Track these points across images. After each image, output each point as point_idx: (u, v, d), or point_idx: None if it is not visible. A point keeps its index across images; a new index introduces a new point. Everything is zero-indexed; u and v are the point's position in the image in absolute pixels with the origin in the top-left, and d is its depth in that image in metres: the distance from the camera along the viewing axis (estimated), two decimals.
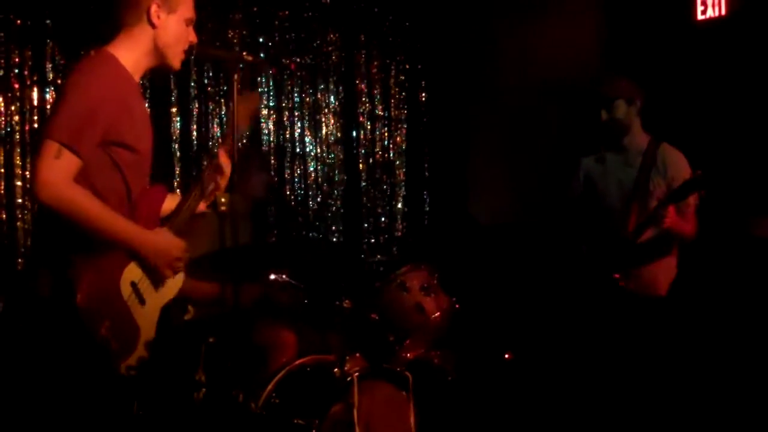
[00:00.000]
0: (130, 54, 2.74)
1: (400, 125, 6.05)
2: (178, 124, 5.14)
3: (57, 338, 2.58)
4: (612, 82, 3.93)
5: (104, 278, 2.62)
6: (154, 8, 2.72)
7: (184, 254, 2.80)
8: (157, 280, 2.76)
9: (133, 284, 2.69)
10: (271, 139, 5.54)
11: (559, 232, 4.37)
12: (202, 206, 3.05)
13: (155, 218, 2.86)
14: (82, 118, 2.57)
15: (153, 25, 2.73)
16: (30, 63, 4.66)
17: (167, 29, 2.76)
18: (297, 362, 3.67)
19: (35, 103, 4.65)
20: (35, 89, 4.66)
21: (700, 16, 4.87)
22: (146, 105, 2.96)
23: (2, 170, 4.58)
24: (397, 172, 6.02)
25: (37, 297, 2.62)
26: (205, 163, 3.09)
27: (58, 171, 2.53)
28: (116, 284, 2.65)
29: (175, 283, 2.86)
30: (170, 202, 3.03)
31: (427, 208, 6.13)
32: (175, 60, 2.83)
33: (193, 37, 2.85)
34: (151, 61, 2.81)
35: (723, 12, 4.75)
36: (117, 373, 2.61)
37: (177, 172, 5.11)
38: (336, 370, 3.53)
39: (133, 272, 2.71)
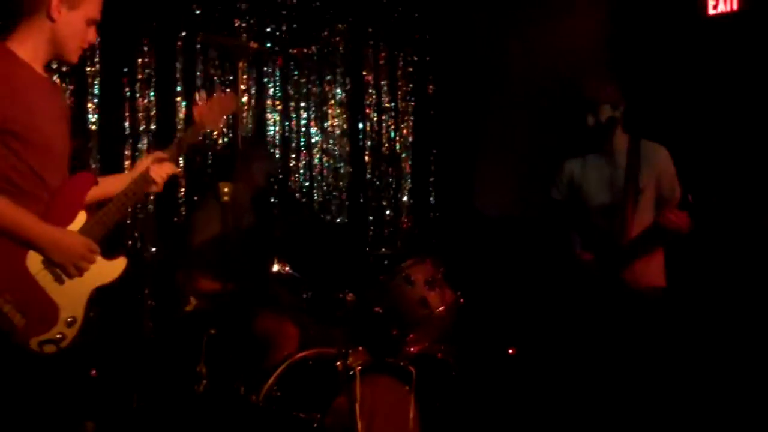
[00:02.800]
0: (28, 44, 2.74)
1: (406, 117, 6.02)
2: (183, 112, 5.11)
3: None
4: (598, 86, 3.92)
5: (6, 253, 2.61)
6: (55, 2, 2.72)
7: (90, 255, 2.74)
8: (64, 274, 2.72)
9: (45, 262, 2.67)
10: (277, 129, 5.52)
11: (548, 231, 4.37)
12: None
13: (77, 206, 2.83)
14: None
15: (52, 19, 2.73)
16: None
17: (67, 25, 2.75)
18: (299, 355, 3.66)
19: None
20: None
21: (711, 11, 4.83)
22: (57, 98, 2.90)
23: None
24: (403, 164, 5.99)
25: None
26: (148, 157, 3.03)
27: None
28: (21, 259, 2.64)
29: (109, 269, 2.82)
30: (111, 186, 3.01)
31: (433, 201, 6.10)
32: (72, 55, 2.82)
33: (92, 37, 2.85)
34: (49, 54, 2.81)
35: (735, 7, 4.72)
36: (26, 349, 2.59)
37: (181, 160, 5.09)
38: (339, 363, 3.50)
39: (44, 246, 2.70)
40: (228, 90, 4.59)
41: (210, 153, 5.17)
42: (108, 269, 2.81)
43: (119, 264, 2.84)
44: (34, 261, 2.65)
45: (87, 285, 2.76)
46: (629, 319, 3.80)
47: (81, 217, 2.81)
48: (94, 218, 2.83)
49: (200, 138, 3.13)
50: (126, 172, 3.45)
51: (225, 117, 3.31)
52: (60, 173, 2.79)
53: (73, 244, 2.71)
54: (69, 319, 2.68)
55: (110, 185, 3.01)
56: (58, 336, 2.64)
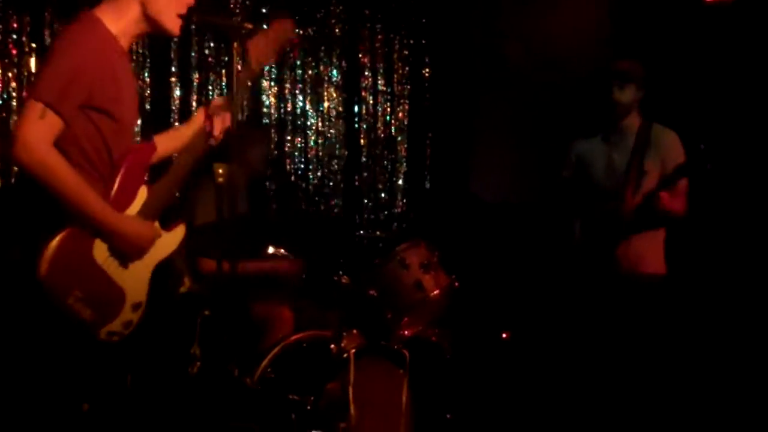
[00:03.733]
0: (117, 20, 2.65)
1: (402, 101, 6.00)
2: (178, 93, 5.08)
3: (25, 313, 2.54)
4: (630, 63, 3.93)
5: (74, 246, 2.55)
6: None
7: (151, 242, 2.71)
8: (124, 259, 2.68)
9: (111, 249, 2.63)
10: (272, 111, 5.50)
11: (553, 212, 4.37)
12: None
13: (139, 182, 2.78)
14: (67, 80, 2.51)
15: None
16: (28, 29, 4.61)
17: None
18: (293, 337, 3.65)
19: (33, 70, 4.60)
20: (33, 56, 4.61)
21: None
22: (132, 74, 2.86)
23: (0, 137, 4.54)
24: (399, 148, 5.98)
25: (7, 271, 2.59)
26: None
27: (41, 132, 2.48)
28: (88, 251, 2.59)
29: (169, 241, 2.79)
30: (166, 145, 2.97)
31: (428, 185, 6.09)
32: (172, 25, 2.72)
33: (189, 0, 2.74)
34: (142, 28, 2.72)
35: None
36: (96, 341, 2.57)
37: None
38: (333, 346, 3.51)
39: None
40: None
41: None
42: (168, 241, 2.79)
43: (179, 232, 2.82)
44: (100, 250, 2.61)
45: (149, 265, 2.73)
46: (626, 306, 3.81)
47: (142, 194, 2.76)
48: (155, 193, 2.77)
49: (259, 74, 3.00)
50: (176, 126, 3.35)
51: (283, 47, 3.18)
52: (125, 149, 2.74)
53: (141, 234, 2.67)
54: (135, 304, 2.66)
55: (164, 144, 2.96)
56: (125, 322, 2.63)
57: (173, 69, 5.08)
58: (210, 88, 5.22)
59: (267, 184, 5.38)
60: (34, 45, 4.62)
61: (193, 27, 4.92)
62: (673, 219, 3.84)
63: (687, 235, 4.16)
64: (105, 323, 2.59)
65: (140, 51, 4.94)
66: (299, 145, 5.61)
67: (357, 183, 5.80)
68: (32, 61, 4.61)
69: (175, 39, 4.91)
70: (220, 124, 2.93)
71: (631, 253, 3.83)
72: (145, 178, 2.80)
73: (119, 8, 2.65)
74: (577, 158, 4.11)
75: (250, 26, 2.90)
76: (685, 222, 3.86)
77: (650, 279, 3.86)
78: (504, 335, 4.84)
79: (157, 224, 2.75)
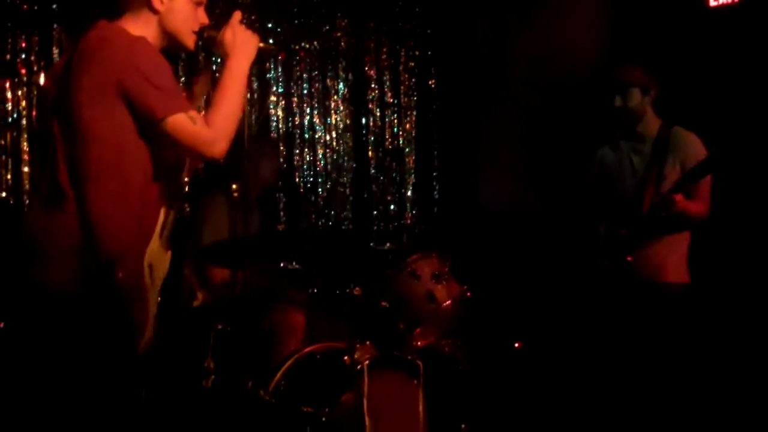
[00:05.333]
0: (137, 33, 2.65)
1: (409, 112, 6.01)
2: None
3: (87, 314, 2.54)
4: (628, 69, 3.92)
5: (133, 259, 2.59)
6: None
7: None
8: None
9: (150, 266, 2.66)
10: (280, 125, 5.52)
11: (575, 218, 4.35)
12: None
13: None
14: (170, 87, 2.56)
15: (155, 11, 2.65)
16: (36, 48, 4.64)
17: (173, 14, 2.67)
18: (306, 350, 3.65)
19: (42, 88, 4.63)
20: (42, 75, 4.64)
21: (713, 2, 4.81)
22: None
23: (10, 156, 4.57)
24: (407, 159, 5.99)
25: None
26: None
27: (204, 128, 2.55)
28: (141, 265, 2.63)
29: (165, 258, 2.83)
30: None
31: (437, 196, 6.09)
32: (187, 41, 2.75)
33: (204, 19, 2.76)
34: (158, 44, 2.72)
35: None
36: (136, 353, 2.62)
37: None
38: (346, 358, 3.50)
39: (150, 254, 2.68)
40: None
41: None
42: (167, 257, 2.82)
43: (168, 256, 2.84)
44: (146, 266, 2.65)
45: (158, 284, 2.76)
46: (646, 316, 3.78)
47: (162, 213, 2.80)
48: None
49: None
50: None
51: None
52: None
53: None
54: (151, 324, 2.70)
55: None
56: (147, 340, 2.67)
57: (181, 85, 5.10)
58: None
59: (277, 197, 5.40)
60: (42, 63, 4.65)
61: (200, 43, 4.94)
62: (693, 223, 3.81)
63: (712, 244, 4.11)
64: (140, 339, 2.64)
65: None
66: (308, 159, 5.62)
67: (366, 195, 5.80)
68: (41, 80, 4.63)
69: (183, 55, 4.94)
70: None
71: (653, 261, 3.80)
72: None
73: (139, 23, 2.66)
74: (600, 165, 4.11)
75: (261, 44, 2.92)
76: (709, 229, 3.82)
77: (672, 288, 3.83)
78: (517, 345, 4.83)
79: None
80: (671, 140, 3.84)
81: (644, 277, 3.80)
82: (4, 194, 4.56)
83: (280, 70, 5.50)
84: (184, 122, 2.50)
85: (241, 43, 2.74)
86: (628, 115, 3.91)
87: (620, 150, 4.02)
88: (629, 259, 3.76)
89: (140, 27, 2.66)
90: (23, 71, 4.62)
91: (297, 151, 5.58)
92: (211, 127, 2.56)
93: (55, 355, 2.58)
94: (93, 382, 2.56)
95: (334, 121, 5.71)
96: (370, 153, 5.84)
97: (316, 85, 5.65)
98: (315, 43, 5.62)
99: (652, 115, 3.93)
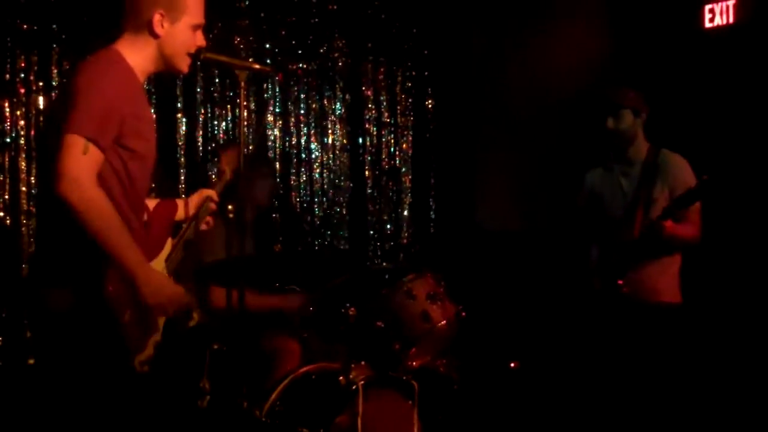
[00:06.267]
0: (134, 57, 2.69)
1: (406, 132, 6.03)
2: (184, 129, 5.13)
3: (79, 328, 2.54)
4: (621, 91, 3.95)
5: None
6: (157, 18, 2.66)
7: (179, 304, 2.69)
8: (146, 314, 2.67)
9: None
10: (277, 145, 5.54)
11: (567, 241, 4.37)
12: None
13: (167, 234, 2.85)
14: (103, 113, 2.50)
15: (156, 36, 2.68)
16: (35, 68, 4.66)
17: (173, 38, 2.70)
18: (302, 370, 3.65)
19: (41, 108, 4.64)
20: (41, 95, 4.66)
21: (707, 24, 4.85)
22: (150, 111, 2.91)
23: (8, 176, 4.58)
24: (403, 179, 6.00)
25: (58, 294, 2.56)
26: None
27: (87, 167, 2.45)
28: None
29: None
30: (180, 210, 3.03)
31: (433, 216, 6.10)
32: (181, 65, 2.78)
33: (201, 41, 2.79)
34: (157, 67, 2.76)
35: (731, 20, 4.73)
36: (130, 367, 2.60)
37: (182, 178, 5.11)
38: (341, 378, 3.50)
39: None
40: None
41: (210, 165, 5.19)
42: None
43: None
44: None
45: None
46: (639, 336, 3.80)
47: (168, 245, 2.82)
48: (176, 248, 2.85)
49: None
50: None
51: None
52: (146, 187, 2.77)
53: (165, 291, 2.63)
54: (155, 341, 2.69)
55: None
56: (148, 356, 2.65)
57: (179, 105, 5.13)
58: (215, 123, 5.26)
59: (273, 217, 5.41)
60: (41, 83, 4.67)
61: (199, 64, 4.97)
62: (684, 246, 3.83)
63: (704, 264, 4.14)
64: (139, 353, 2.62)
65: (146, 87, 4.98)
66: (304, 178, 5.64)
67: (362, 215, 5.81)
68: (40, 100, 4.65)
69: (179, 79, 4.97)
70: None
71: (645, 282, 3.83)
72: (170, 232, 2.86)
73: (137, 46, 2.68)
74: (590, 188, 4.14)
75: (257, 66, 2.94)
76: (701, 250, 3.84)
77: (665, 308, 3.86)
78: (512, 365, 4.83)
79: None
80: (659, 163, 3.88)
81: (638, 298, 3.82)
82: (1, 214, 4.57)
83: (277, 90, 5.52)
84: (77, 145, 2.43)
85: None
86: (619, 138, 3.94)
87: (610, 172, 4.06)
88: (620, 282, 3.78)
89: (138, 49, 2.69)
90: (22, 91, 4.63)
91: (293, 170, 5.60)
92: (91, 178, 2.45)
93: (55, 374, 2.60)
94: (86, 397, 2.57)
95: (330, 141, 5.73)
96: (366, 173, 5.85)
97: (313, 105, 5.67)
98: (312, 63, 5.64)
99: (642, 138, 3.97)
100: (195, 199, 3.07)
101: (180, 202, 3.07)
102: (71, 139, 2.44)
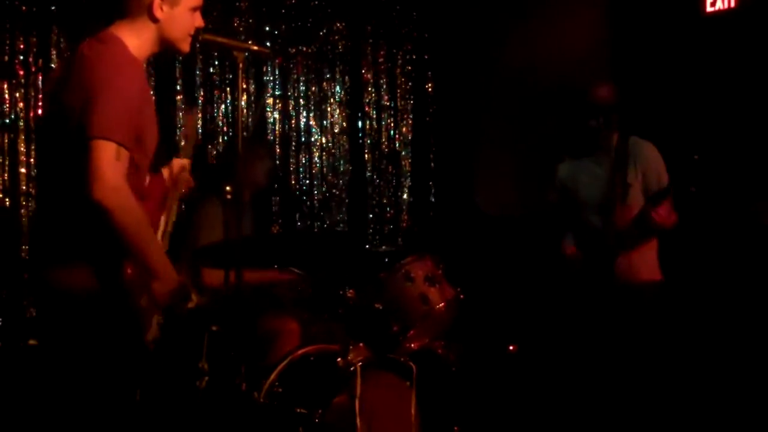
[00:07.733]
0: (134, 41, 2.67)
1: (406, 115, 6.02)
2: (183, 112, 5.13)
3: (97, 308, 2.56)
4: (606, 89, 4.00)
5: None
6: (157, 1, 2.65)
7: (180, 296, 2.74)
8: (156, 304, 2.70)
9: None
10: (277, 128, 5.53)
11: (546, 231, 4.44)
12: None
13: (161, 210, 2.85)
14: (127, 116, 2.50)
15: (156, 19, 2.67)
16: (35, 50, 4.66)
17: (172, 21, 2.69)
18: (300, 351, 3.67)
19: (40, 89, 4.64)
20: (40, 76, 4.65)
21: (709, 8, 4.83)
22: (151, 94, 2.90)
23: (7, 158, 4.58)
24: (403, 162, 6.00)
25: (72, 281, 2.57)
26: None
27: (122, 174, 2.46)
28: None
29: None
30: None
31: (433, 199, 6.11)
32: (183, 45, 2.78)
33: (199, 22, 2.78)
34: (156, 48, 2.75)
35: (732, 4, 4.72)
36: (145, 346, 2.65)
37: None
38: (339, 359, 3.52)
39: None
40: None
41: (211, 148, 5.20)
42: None
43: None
44: None
45: None
46: (626, 315, 3.85)
47: (162, 221, 2.84)
48: (167, 225, 2.86)
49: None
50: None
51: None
52: (147, 170, 2.77)
53: (175, 285, 2.67)
54: (157, 321, 2.72)
55: None
56: (155, 336, 2.70)
57: (178, 87, 5.12)
58: (215, 106, 5.26)
59: (272, 199, 5.41)
60: (40, 64, 4.66)
61: (198, 46, 4.97)
62: (665, 230, 3.90)
63: (680, 241, 4.21)
64: (147, 332, 2.66)
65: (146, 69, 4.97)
66: (304, 161, 5.64)
67: (362, 198, 5.82)
68: (39, 81, 4.65)
69: (180, 57, 4.95)
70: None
71: (627, 264, 3.90)
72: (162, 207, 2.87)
73: (136, 29, 2.67)
74: (561, 180, 4.21)
75: (255, 48, 2.94)
76: (676, 229, 3.92)
77: (647, 286, 3.93)
78: (510, 347, 4.85)
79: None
80: (630, 150, 3.94)
81: (621, 279, 3.87)
82: (0, 195, 4.58)
83: (276, 72, 5.51)
84: (109, 151, 2.43)
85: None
86: (602, 134, 3.98)
87: (582, 165, 4.11)
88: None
89: (137, 32, 2.68)
90: (21, 72, 4.63)
91: (293, 153, 5.59)
92: (126, 185, 2.47)
93: (66, 354, 2.61)
94: (103, 379, 2.59)
95: (330, 124, 5.73)
96: (366, 156, 5.85)
97: (313, 88, 5.66)
98: (312, 46, 5.63)
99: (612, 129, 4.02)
100: (169, 171, 3.05)
101: (165, 172, 3.06)
102: (103, 145, 2.43)
